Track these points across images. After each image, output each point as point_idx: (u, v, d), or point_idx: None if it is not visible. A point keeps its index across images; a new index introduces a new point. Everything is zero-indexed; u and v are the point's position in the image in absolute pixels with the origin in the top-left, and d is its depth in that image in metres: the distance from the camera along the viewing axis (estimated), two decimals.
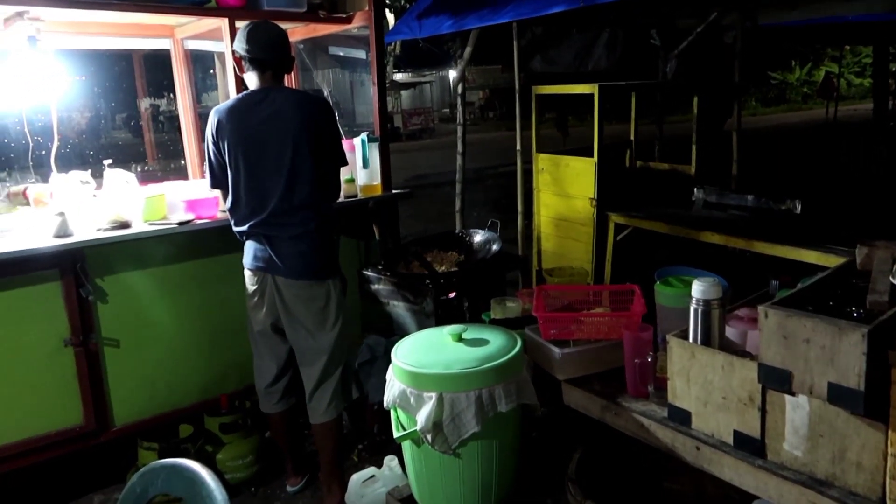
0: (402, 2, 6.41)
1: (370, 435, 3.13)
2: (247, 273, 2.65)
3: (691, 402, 1.84)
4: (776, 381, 1.58)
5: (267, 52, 2.50)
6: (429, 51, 6.18)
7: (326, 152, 2.57)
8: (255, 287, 2.63)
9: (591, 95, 4.59)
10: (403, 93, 25.15)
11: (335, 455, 2.69)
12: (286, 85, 2.67)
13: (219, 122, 2.51)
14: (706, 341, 1.81)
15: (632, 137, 5.34)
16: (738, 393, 1.72)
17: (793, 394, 1.58)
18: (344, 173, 2.95)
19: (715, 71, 6.01)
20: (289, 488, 2.86)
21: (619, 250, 4.52)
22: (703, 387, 1.80)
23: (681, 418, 1.88)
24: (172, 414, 2.96)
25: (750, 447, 1.72)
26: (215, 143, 2.53)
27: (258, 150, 2.48)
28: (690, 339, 1.84)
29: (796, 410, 1.61)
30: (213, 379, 3.07)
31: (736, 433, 1.75)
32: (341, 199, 3.15)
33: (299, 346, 2.64)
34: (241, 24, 3.16)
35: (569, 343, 2.25)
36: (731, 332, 1.94)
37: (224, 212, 3.04)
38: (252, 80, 2.55)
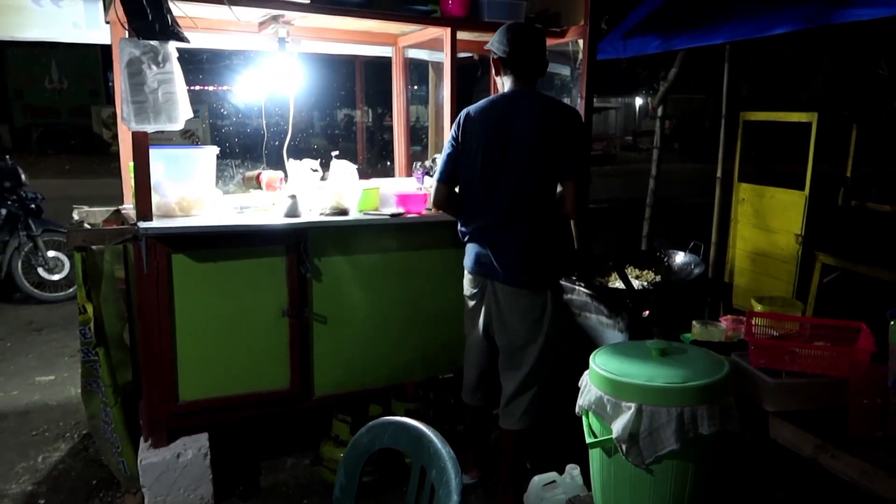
0: (601, 24, 6.40)
1: (541, 447, 3.12)
2: (467, 276, 2.75)
3: None
4: None
5: (526, 55, 2.52)
6: (625, 73, 6.11)
7: (563, 164, 2.48)
8: (474, 290, 2.72)
9: (797, 130, 4.30)
10: None
11: (518, 461, 2.72)
12: (537, 88, 2.62)
13: (466, 120, 2.59)
14: None
15: (848, 174, 4.91)
16: None
17: None
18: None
19: None
20: (463, 480, 2.92)
21: (823, 294, 4.17)
22: None
23: None
24: (363, 393, 3.15)
25: None
26: (456, 140, 2.62)
27: (497, 152, 2.53)
28: None
29: None
30: (402, 366, 3.23)
31: None
32: None
33: (507, 354, 2.69)
34: (459, 34, 3.35)
35: (780, 374, 2.12)
36: None
37: (429, 210, 3.22)
38: (506, 82, 2.60)
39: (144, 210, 2.73)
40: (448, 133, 2.83)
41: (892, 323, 2.03)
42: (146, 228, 2.66)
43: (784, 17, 3.74)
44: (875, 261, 3.71)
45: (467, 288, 2.76)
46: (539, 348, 2.62)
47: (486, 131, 2.55)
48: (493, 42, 2.59)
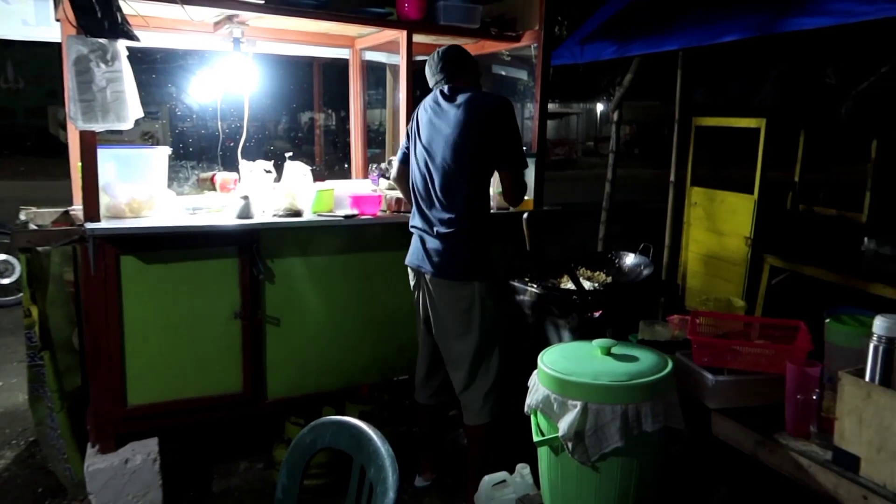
0: (560, 30, 6.51)
1: (496, 445, 3.15)
2: (408, 271, 2.79)
3: (862, 447, 1.72)
4: None
5: (434, 74, 2.68)
6: (586, 78, 6.20)
7: (494, 155, 2.57)
8: (413, 284, 2.77)
9: (749, 136, 4.42)
10: (549, 122, 25.23)
11: (482, 458, 2.73)
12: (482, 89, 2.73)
13: (417, 113, 2.73)
14: (885, 382, 1.69)
15: (796, 179, 5.06)
16: None
17: None
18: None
19: None
20: (417, 482, 2.93)
21: (772, 295, 4.28)
22: (878, 431, 1.67)
23: (847, 463, 1.75)
24: (317, 395, 3.13)
25: None
26: (409, 132, 2.75)
27: (432, 147, 2.60)
28: (867, 379, 1.72)
29: None
30: (357, 368, 3.22)
31: None
32: (493, 209, 3.22)
33: (443, 347, 2.72)
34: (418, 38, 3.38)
35: (723, 372, 2.17)
36: None
37: (384, 211, 3.23)
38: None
39: (92, 211, 2.68)
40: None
41: (827, 321, 2.10)
42: (93, 229, 2.61)
43: (734, 25, 3.85)
44: (820, 262, 3.83)
45: (410, 283, 2.81)
46: (475, 341, 2.64)
47: (424, 126, 2.65)
48: (427, 76, 2.73)
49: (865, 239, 4.05)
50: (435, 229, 2.60)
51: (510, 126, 2.56)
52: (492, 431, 2.73)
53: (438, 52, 2.70)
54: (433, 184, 2.59)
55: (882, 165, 4.79)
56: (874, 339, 1.70)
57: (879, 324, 1.70)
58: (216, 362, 2.90)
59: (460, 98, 2.59)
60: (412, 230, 2.74)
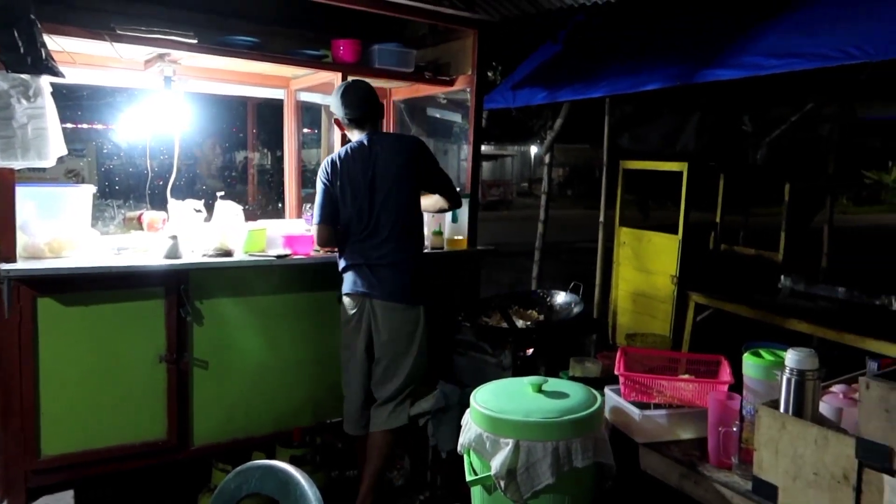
0: (494, 75, 6.71)
1: (432, 486, 3.11)
2: (345, 299, 2.86)
3: (779, 476, 1.79)
4: (875, 457, 1.53)
5: (361, 109, 2.82)
6: (520, 122, 6.38)
7: (428, 184, 2.91)
8: (353, 311, 2.84)
9: (675, 178, 4.62)
10: (485, 164, 25.69)
11: (383, 469, 2.84)
12: (383, 129, 2.98)
13: (333, 165, 2.83)
14: (798, 413, 1.77)
15: (717, 220, 5.29)
16: (831, 469, 1.66)
17: (893, 473, 1.52)
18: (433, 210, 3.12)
19: (808, 162, 5.94)
20: None
21: (698, 331, 4.43)
22: (793, 460, 1.74)
23: (766, 493, 1.81)
24: (247, 441, 3.04)
25: None
26: (330, 183, 2.82)
27: (368, 189, 2.78)
28: (781, 410, 1.80)
29: None
30: (288, 412, 3.14)
31: None
32: (427, 248, 3.27)
33: (384, 365, 2.83)
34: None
35: (649, 406, 2.23)
36: (824, 408, 1.88)
37: (317, 251, 3.20)
38: (355, 133, 2.87)
39: (7, 250, 2.56)
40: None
41: (744, 355, 2.19)
42: (8, 270, 2.50)
43: (656, 74, 4.04)
44: (740, 300, 3.99)
45: (346, 311, 2.86)
46: (413, 360, 2.83)
47: (354, 173, 2.80)
48: (332, 106, 2.89)
49: (782, 277, 4.27)
50: (387, 258, 2.77)
51: (432, 157, 2.95)
52: (395, 440, 2.86)
53: (360, 88, 2.86)
54: (383, 217, 2.77)
55: (794, 208, 5.07)
56: (787, 371, 1.79)
57: (791, 357, 1.78)
58: (139, 408, 2.78)
59: (387, 141, 2.89)
60: (353, 263, 2.82)
